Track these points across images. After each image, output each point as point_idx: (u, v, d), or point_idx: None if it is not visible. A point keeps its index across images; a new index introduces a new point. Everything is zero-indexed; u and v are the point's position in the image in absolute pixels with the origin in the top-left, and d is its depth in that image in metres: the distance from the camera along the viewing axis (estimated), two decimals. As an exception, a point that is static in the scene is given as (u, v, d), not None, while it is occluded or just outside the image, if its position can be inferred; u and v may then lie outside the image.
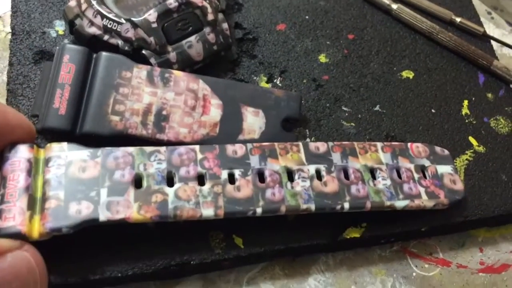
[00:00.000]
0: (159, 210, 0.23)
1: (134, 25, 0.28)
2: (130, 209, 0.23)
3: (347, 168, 0.26)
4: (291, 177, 0.26)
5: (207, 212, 0.24)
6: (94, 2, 0.28)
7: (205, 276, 0.27)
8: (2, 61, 0.31)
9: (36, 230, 0.22)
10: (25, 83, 0.29)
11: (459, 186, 0.27)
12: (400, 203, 0.26)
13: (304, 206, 0.25)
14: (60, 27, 0.31)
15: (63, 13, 0.29)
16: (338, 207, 0.25)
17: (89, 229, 0.23)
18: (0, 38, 0.32)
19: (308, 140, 0.30)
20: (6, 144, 0.24)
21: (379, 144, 0.27)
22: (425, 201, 0.26)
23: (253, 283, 0.27)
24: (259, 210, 0.24)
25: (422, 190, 0.27)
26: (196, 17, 0.29)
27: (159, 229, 0.26)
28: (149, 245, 0.25)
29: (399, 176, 0.27)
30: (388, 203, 0.26)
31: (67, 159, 0.24)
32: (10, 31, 0.31)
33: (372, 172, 0.27)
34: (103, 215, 0.23)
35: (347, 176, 0.26)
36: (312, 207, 0.25)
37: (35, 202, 0.22)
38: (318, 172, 0.26)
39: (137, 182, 0.24)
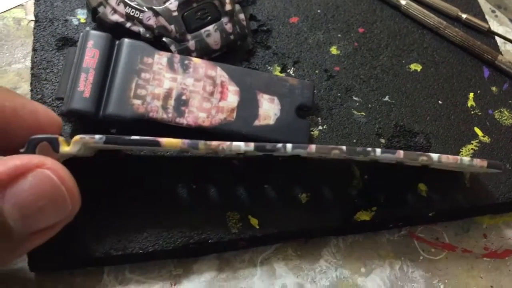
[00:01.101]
0: None
1: (156, 13, 0.29)
2: None
3: None
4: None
5: None
6: (117, -9, 0.29)
7: (221, 255, 0.28)
8: (25, 47, 0.32)
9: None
10: (49, 68, 0.30)
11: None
12: (435, 155, 0.26)
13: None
14: (81, 15, 0.32)
15: (86, 1, 0.30)
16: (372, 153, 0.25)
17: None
18: (23, 26, 0.33)
19: (320, 127, 0.31)
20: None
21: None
22: (463, 158, 0.26)
23: (267, 263, 0.28)
24: None
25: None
26: (215, 7, 0.30)
27: (179, 204, 0.27)
28: (169, 224, 0.27)
29: None
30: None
31: None
32: (34, 18, 0.32)
33: None
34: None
35: None
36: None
37: None
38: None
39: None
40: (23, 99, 0.24)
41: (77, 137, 0.23)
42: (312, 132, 0.30)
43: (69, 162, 0.24)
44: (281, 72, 0.32)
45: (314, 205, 0.28)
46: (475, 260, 0.30)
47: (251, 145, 0.25)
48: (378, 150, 0.25)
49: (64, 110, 0.27)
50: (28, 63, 0.31)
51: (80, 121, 0.28)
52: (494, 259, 0.30)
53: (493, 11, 0.40)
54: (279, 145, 0.25)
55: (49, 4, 0.32)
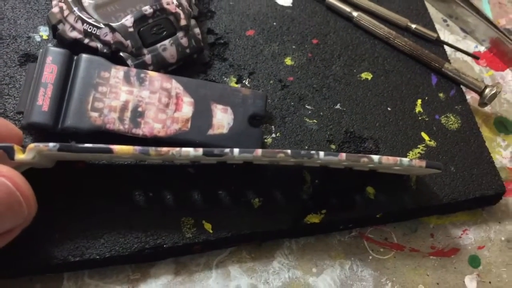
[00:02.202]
0: None
1: (112, 30, 0.30)
2: None
3: None
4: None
5: None
6: (75, 9, 0.31)
7: (178, 259, 0.29)
8: (-11, 64, 0.33)
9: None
10: (11, 83, 0.31)
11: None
12: (376, 157, 0.27)
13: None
14: (44, 32, 0.33)
15: (46, 19, 0.31)
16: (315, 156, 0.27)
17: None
18: (-13, 43, 0.34)
19: (273, 135, 0.32)
20: None
21: None
22: (402, 159, 0.28)
23: (222, 266, 0.30)
24: None
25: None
26: (170, 22, 0.32)
27: (136, 211, 0.28)
28: (125, 230, 0.28)
29: None
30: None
31: None
32: (-3, 36, 0.33)
33: None
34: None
35: None
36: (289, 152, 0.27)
37: None
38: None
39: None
40: None
41: (31, 145, 0.25)
42: (265, 140, 0.32)
43: (29, 172, 0.25)
44: (236, 83, 0.34)
45: (266, 209, 0.30)
46: (422, 259, 0.31)
47: (200, 150, 0.26)
48: (322, 153, 0.27)
49: (24, 124, 0.28)
50: (-8, 79, 0.32)
51: (41, 134, 0.30)
52: (441, 257, 0.31)
53: (444, 21, 0.42)
54: (227, 150, 0.26)
55: (13, 22, 0.33)
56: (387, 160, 0.27)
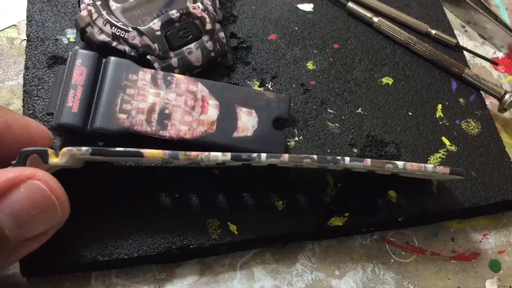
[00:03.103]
0: None
1: (140, 33, 0.31)
2: None
3: None
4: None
5: None
6: (104, 12, 0.31)
7: (203, 260, 0.30)
8: (18, 65, 0.34)
9: None
10: (40, 85, 0.32)
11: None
12: (400, 163, 0.28)
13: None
14: (71, 34, 0.34)
15: (75, 22, 0.32)
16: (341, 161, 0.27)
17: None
18: (16, 45, 0.35)
19: (296, 138, 0.33)
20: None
21: None
22: (426, 165, 0.28)
23: (246, 267, 0.30)
24: None
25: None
26: (196, 26, 0.32)
27: (162, 212, 0.29)
28: (153, 231, 0.28)
29: None
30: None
31: None
32: (26, 38, 0.34)
33: None
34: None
35: None
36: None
37: None
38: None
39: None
40: (16, 114, 0.26)
41: (64, 149, 0.25)
42: (288, 143, 0.32)
43: (60, 173, 0.25)
44: (259, 86, 0.34)
45: (290, 211, 0.30)
46: (443, 263, 0.32)
47: (228, 155, 0.27)
48: (347, 159, 0.27)
49: (54, 125, 0.29)
50: (21, 80, 0.33)
51: (69, 135, 0.30)
52: (461, 261, 0.32)
53: (463, 27, 0.42)
54: (254, 154, 0.27)
55: (40, 25, 0.34)
56: (412, 166, 0.28)
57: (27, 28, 0.34)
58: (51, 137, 0.28)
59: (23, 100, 0.31)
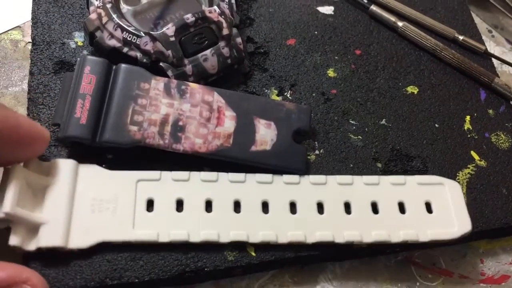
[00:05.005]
0: None
1: (153, 39, 0.29)
2: None
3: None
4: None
5: None
6: (114, 16, 0.29)
7: (218, 282, 0.28)
8: (22, 70, 0.32)
9: None
10: (46, 92, 0.30)
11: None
12: None
13: None
14: (79, 38, 0.32)
15: (83, 25, 0.30)
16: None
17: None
18: (20, 48, 0.33)
19: (317, 152, 0.31)
20: (22, 157, 0.25)
21: None
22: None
23: (263, 290, 0.28)
24: None
25: None
26: (212, 31, 0.30)
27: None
28: (165, 252, 0.26)
29: None
30: None
31: None
32: (30, 41, 0.32)
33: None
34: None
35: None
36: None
37: None
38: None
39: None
40: (7, 112, 0.23)
41: None
42: (309, 157, 0.30)
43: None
44: (278, 95, 0.32)
45: (310, 231, 0.28)
46: (471, 286, 0.30)
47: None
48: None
49: (61, 136, 0.27)
50: (25, 86, 0.31)
51: (77, 146, 0.28)
52: (491, 284, 0.30)
53: (489, 31, 0.40)
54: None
55: (47, 27, 0.32)
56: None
57: (32, 30, 0.32)
58: (47, 137, 0.25)
59: (28, 108, 0.29)
